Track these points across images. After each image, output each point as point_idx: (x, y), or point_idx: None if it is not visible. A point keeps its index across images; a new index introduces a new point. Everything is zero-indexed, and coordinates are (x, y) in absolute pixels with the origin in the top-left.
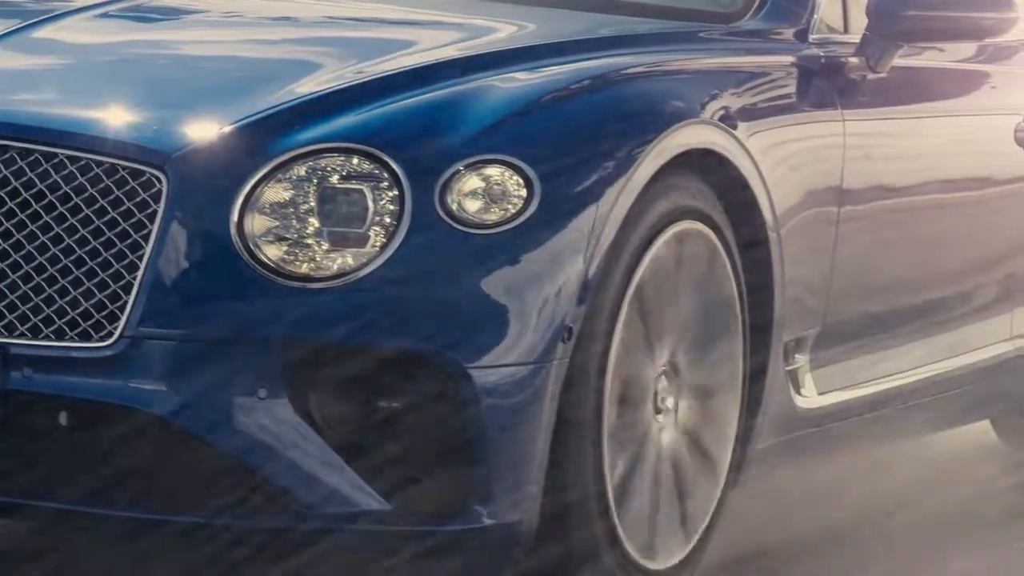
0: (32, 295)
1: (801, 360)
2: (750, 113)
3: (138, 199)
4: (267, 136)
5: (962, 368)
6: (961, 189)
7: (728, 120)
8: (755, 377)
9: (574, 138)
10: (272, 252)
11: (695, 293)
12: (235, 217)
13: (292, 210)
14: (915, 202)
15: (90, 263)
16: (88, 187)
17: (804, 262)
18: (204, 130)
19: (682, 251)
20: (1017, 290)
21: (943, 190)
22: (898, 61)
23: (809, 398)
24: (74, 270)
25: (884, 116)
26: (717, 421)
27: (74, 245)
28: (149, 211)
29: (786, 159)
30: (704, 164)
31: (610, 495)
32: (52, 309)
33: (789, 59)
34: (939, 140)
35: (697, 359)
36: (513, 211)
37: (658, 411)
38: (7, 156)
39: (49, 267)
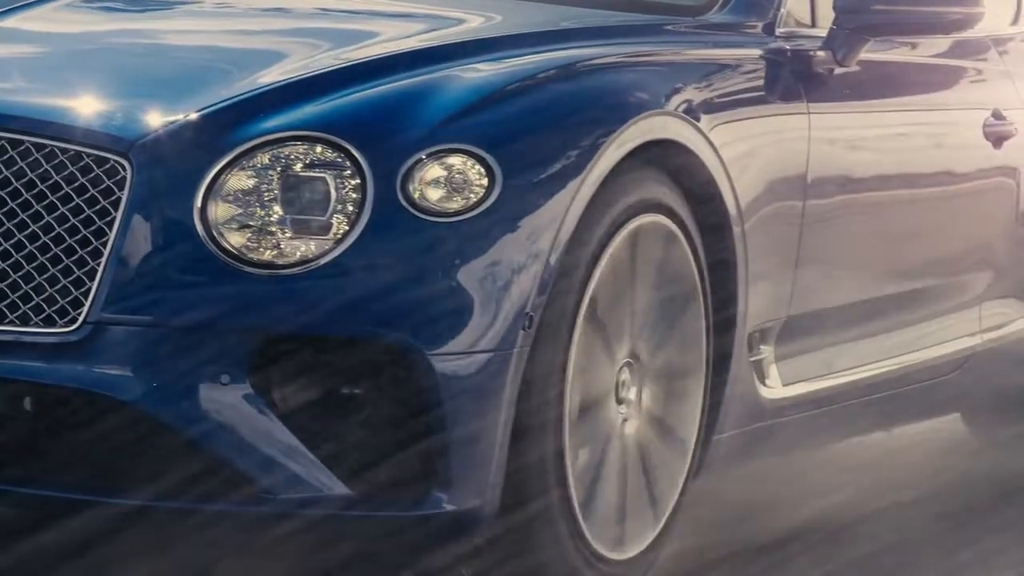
0: None
1: (766, 351)
2: (714, 105)
3: (102, 186)
4: (231, 124)
5: (930, 361)
6: (929, 183)
7: (692, 112)
8: (719, 368)
9: (536, 128)
10: (235, 239)
11: (658, 285)
12: (198, 204)
13: (255, 198)
14: (882, 196)
15: (55, 249)
16: (53, 174)
17: (768, 254)
18: (168, 118)
19: (645, 243)
20: (985, 284)
21: (911, 184)
22: (866, 55)
23: (774, 389)
24: (39, 256)
25: (851, 110)
26: (680, 412)
27: (39, 231)
28: (113, 198)
29: (750, 151)
30: (667, 156)
31: (571, 482)
32: (17, 295)
33: (755, 52)
34: (907, 134)
35: (660, 350)
36: (475, 200)
37: (620, 402)
38: None
39: (14, 253)
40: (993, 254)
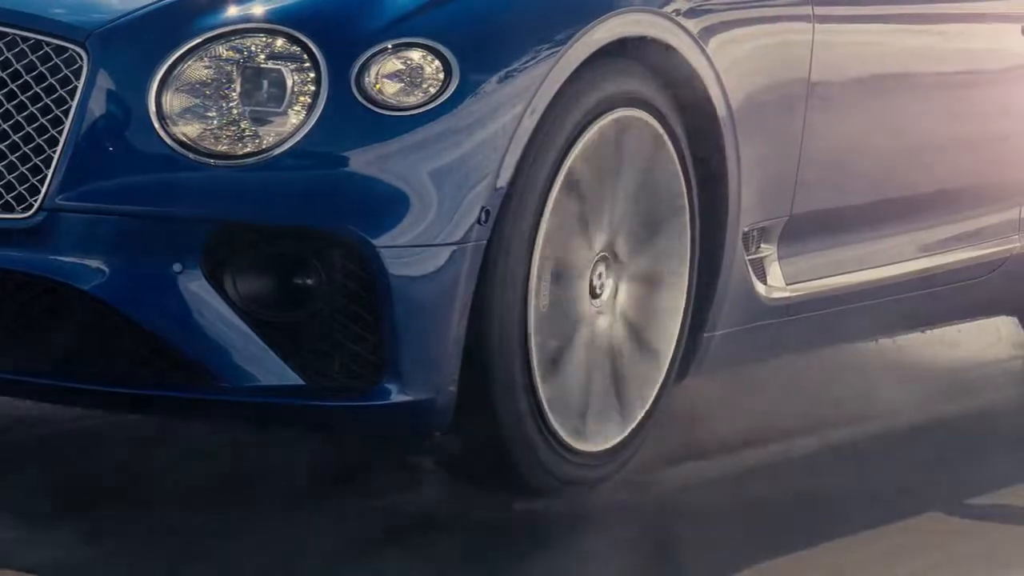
0: None
1: (767, 249)
2: (704, 4)
3: (60, 75)
4: (188, 16)
5: (958, 263)
6: (962, 84)
7: (677, 10)
8: (707, 266)
9: (500, 23)
10: (189, 130)
11: (636, 181)
12: (153, 94)
13: (210, 89)
14: (902, 94)
15: (13, 137)
16: (13, 62)
17: (766, 152)
18: (126, 8)
19: (622, 138)
20: (1017, 189)
21: (937, 83)
22: None
23: (775, 288)
24: None
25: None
26: (661, 309)
27: None
28: (70, 87)
29: (744, 47)
30: (650, 52)
31: (536, 374)
32: None
33: None
34: (933, 34)
35: (639, 246)
36: (431, 94)
37: (595, 296)
38: None
39: None
40: None
